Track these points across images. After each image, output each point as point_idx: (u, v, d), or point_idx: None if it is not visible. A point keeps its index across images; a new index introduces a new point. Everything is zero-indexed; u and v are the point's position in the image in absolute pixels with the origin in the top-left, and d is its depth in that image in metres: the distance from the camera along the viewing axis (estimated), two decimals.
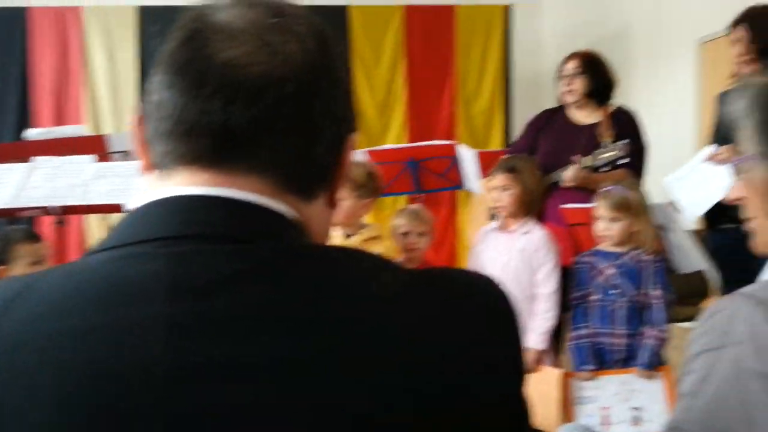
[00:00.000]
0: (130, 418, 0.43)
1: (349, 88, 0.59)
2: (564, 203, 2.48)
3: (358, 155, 3.14)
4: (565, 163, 2.55)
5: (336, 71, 0.56)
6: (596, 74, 2.69)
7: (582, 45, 3.23)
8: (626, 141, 2.45)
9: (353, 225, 2.29)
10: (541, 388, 2.27)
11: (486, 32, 5.36)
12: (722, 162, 2.41)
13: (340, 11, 5.07)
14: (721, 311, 0.65)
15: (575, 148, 2.58)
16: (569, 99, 2.70)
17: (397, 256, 2.55)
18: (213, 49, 0.52)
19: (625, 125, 2.64)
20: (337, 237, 2.28)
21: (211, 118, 0.51)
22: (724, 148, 2.43)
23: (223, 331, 0.45)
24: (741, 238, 0.82)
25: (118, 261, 0.49)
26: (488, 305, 0.52)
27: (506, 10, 5.38)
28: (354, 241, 2.26)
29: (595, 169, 2.49)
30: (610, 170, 2.47)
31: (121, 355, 0.44)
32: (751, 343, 0.60)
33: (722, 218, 2.43)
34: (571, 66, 2.70)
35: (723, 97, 2.61)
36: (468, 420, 0.47)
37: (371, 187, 2.27)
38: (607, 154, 2.46)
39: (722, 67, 2.88)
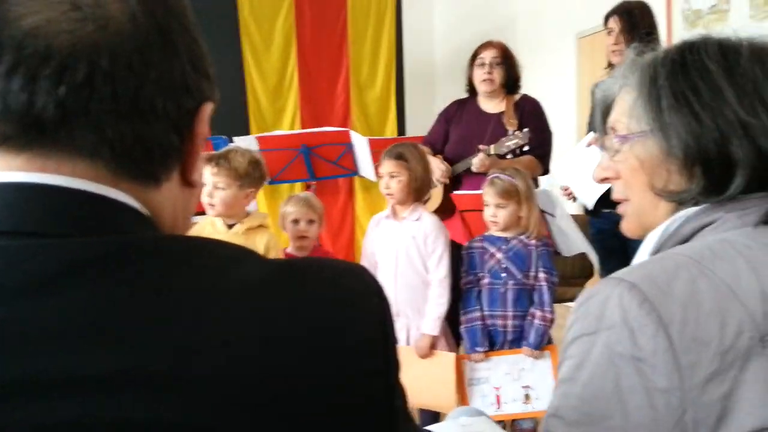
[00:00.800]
0: None
1: (199, 51, 0.51)
2: (476, 189, 2.55)
3: (247, 142, 3.04)
4: (475, 149, 2.65)
5: (174, 34, 0.48)
6: (511, 66, 2.79)
7: (470, 35, 3.30)
8: (527, 129, 2.58)
9: (236, 215, 2.19)
10: (437, 372, 2.30)
11: (378, 20, 5.36)
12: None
13: None
14: (595, 296, 0.64)
15: (484, 136, 2.69)
16: (487, 87, 2.76)
17: (283, 245, 2.50)
18: (10, 15, 0.43)
19: (529, 114, 2.77)
20: (219, 227, 2.17)
21: (10, 100, 0.43)
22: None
23: (42, 341, 0.38)
24: (620, 221, 0.83)
25: None
26: (355, 298, 0.48)
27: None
28: (236, 231, 2.16)
29: (502, 156, 2.59)
30: (514, 157, 2.59)
31: None
32: (624, 327, 0.60)
33: (602, 203, 2.57)
34: (491, 55, 2.76)
35: (598, 87, 2.74)
36: (331, 423, 0.43)
37: (254, 177, 2.17)
38: (510, 143, 2.58)
39: (598, 60, 3.04)
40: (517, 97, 2.82)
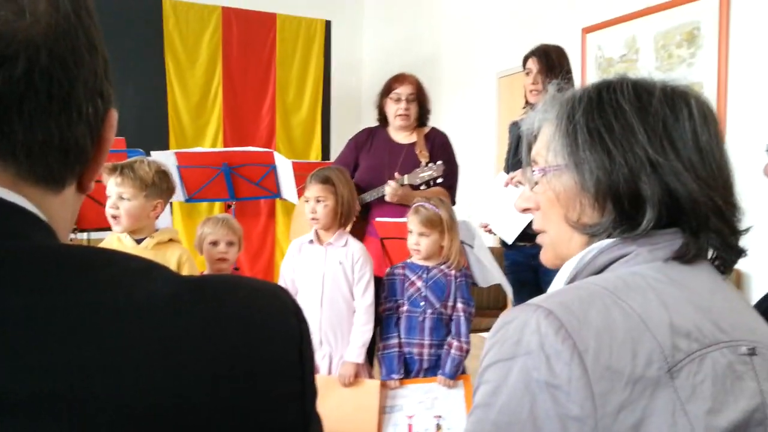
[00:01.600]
0: None
1: (106, 55, 0.50)
2: (385, 217, 2.56)
3: (165, 157, 2.93)
4: (386, 179, 2.67)
5: (92, 35, 0.46)
6: (424, 100, 2.86)
7: (397, 66, 3.35)
8: (441, 162, 2.63)
9: (144, 228, 2.07)
10: (361, 400, 2.27)
11: (307, 44, 5.38)
12: (518, 185, 2.63)
13: (155, 5, 4.75)
14: (513, 321, 0.65)
15: (395, 166, 2.72)
16: (403, 122, 2.80)
17: (199, 268, 2.39)
18: None
19: (439, 146, 2.83)
20: (126, 242, 2.05)
21: None
22: (519, 171, 2.65)
23: None
24: (533, 255, 0.85)
25: None
26: (270, 318, 0.46)
27: (327, 25, 5.44)
28: (145, 246, 2.04)
29: (415, 186, 2.63)
30: (427, 188, 2.63)
31: None
32: (541, 353, 0.61)
33: (517, 237, 2.65)
34: (408, 91, 2.81)
35: (514, 126, 2.86)
36: None
37: (161, 188, 2.07)
38: (424, 174, 2.62)
39: (517, 99, 3.17)
40: (426, 129, 2.89)
